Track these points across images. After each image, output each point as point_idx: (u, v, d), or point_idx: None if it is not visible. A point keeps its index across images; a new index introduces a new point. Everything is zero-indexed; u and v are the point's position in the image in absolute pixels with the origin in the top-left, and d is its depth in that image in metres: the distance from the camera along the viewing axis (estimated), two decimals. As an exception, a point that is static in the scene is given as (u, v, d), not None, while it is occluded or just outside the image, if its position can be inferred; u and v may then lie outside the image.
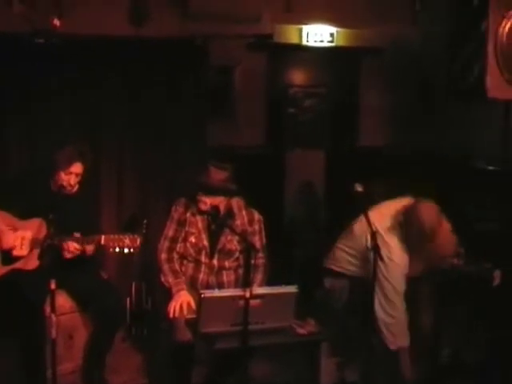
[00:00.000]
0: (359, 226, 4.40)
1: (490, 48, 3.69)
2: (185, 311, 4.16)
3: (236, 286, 4.41)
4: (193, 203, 4.44)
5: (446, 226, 4.25)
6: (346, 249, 4.53)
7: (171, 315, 4.17)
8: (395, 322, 4.20)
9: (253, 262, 4.26)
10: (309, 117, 6.73)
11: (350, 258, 4.50)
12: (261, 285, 4.35)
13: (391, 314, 4.19)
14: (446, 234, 4.22)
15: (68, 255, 4.35)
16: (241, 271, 4.50)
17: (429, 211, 4.17)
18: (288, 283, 3.92)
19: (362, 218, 4.12)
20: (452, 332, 4.73)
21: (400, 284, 4.20)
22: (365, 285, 4.27)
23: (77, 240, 4.36)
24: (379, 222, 4.22)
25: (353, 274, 4.49)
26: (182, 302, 4.20)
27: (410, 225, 4.19)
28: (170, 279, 4.35)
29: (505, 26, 3.71)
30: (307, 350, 4.25)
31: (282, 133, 6.65)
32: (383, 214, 4.35)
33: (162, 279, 4.41)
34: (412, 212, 4.20)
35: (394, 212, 4.35)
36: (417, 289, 4.44)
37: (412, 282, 4.30)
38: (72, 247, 4.35)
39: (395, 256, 4.18)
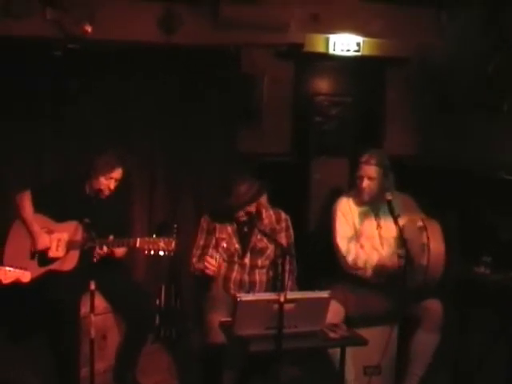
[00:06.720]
0: None
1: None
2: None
3: (267, 286, 4.51)
4: (221, 213, 4.54)
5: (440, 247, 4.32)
6: None
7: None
8: None
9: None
10: (334, 125, 6.77)
11: None
12: (290, 288, 4.40)
13: None
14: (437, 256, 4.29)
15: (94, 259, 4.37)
16: (271, 273, 4.59)
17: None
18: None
19: None
20: (477, 341, 4.77)
21: None
22: None
23: (113, 243, 4.45)
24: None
25: None
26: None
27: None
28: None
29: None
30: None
31: (308, 141, 6.70)
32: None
33: (195, 272, 4.49)
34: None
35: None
36: None
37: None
38: (101, 252, 4.39)
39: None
